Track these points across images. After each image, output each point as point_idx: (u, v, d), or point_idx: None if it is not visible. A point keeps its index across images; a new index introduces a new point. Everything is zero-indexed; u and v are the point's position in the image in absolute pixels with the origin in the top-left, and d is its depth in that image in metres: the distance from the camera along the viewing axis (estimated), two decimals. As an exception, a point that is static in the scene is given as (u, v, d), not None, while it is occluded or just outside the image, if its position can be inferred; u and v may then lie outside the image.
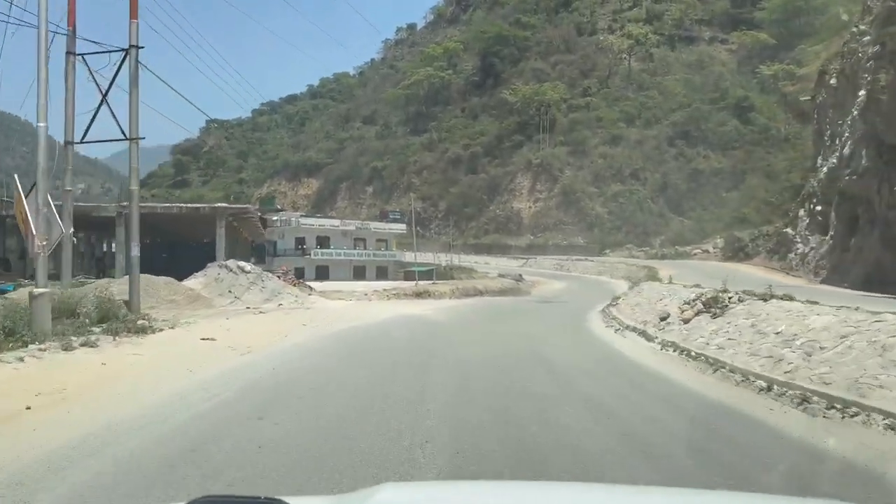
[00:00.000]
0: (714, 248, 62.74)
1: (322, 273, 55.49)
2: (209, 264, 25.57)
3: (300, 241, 57.60)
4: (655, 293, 18.24)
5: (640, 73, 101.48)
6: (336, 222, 61.81)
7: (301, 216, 62.41)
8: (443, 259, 73.88)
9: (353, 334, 14.90)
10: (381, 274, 61.50)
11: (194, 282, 23.42)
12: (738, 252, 54.13)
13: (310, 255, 56.30)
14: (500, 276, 56.85)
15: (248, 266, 24.58)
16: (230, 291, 22.77)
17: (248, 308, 20.66)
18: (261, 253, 59.97)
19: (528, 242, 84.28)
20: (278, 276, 25.49)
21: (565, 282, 53.47)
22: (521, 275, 59.21)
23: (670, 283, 20.58)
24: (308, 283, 31.25)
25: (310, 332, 15.03)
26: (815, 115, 44.73)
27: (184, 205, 37.85)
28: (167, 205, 37.37)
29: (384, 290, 27.85)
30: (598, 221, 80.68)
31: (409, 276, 58.72)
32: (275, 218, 58.80)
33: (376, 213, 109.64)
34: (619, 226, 79.98)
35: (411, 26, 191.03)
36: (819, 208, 39.14)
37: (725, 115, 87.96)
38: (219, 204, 37.22)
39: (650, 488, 3.06)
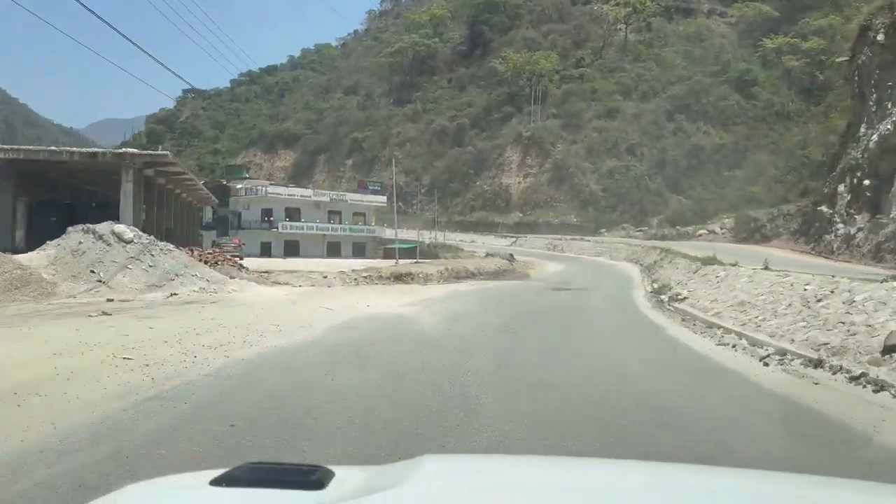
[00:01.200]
0: (722, 228, 56.80)
1: (291, 249, 48.71)
2: (69, 229, 18.04)
3: (267, 213, 50.66)
4: (766, 285, 11.75)
5: (637, 44, 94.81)
6: (308, 192, 54.86)
7: (270, 185, 55.17)
8: (426, 236, 67.32)
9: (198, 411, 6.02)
10: (359, 251, 54.83)
11: (41, 255, 16.18)
12: (754, 233, 48.14)
13: (277, 228, 49.37)
14: (489, 255, 50.81)
15: (129, 232, 17.26)
16: (92, 271, 15.72)
17: (109, 300, 13.72)
18: (224, 225, 52.89)
19: (517, 220, 77.83)
20: (216, 251, 18.69)
21: (563, 263, 47.16)
22: (511, 255, 53.20)
23: (764, 270, 14.07)
24: (243, 260, 24.43)
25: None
26: (857, 78, 38.37)
27: (76, 149, 28.50)
28: (53, 149, 27.47)
29: (355, 270, 21.18)
30: (593, 199, 74.37)
31: (389, 255, 52.30)
32: (239, 186, 51.84)
33: (356, 187, 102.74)
34: (615, 204, 73.74)
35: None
36: (867, 182, 32.99)
37: (727, 90, 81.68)
38: (126, 150, 28.09)
39: (697, 467, 2.54)
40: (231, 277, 15.45)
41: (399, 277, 20.98)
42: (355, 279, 19.17)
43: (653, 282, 23.72)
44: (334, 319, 11.20)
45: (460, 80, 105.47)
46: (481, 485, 1.67)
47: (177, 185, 34.03)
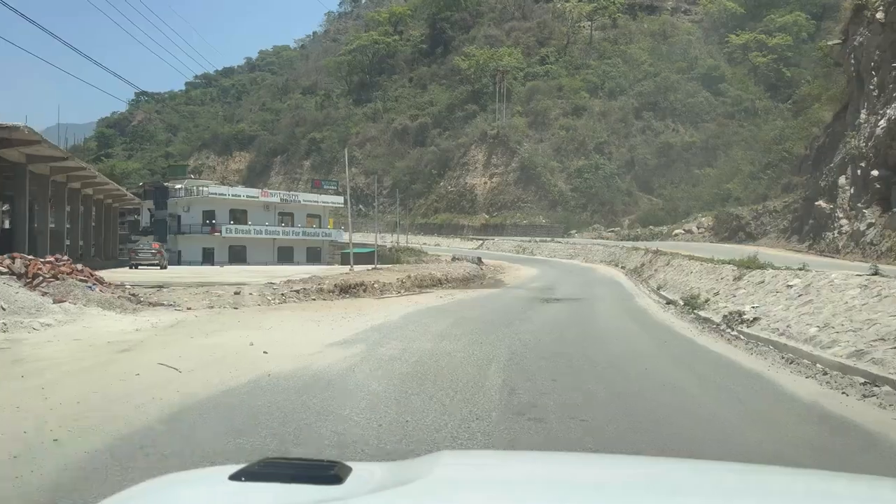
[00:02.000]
0: (699, 227, 53.19)
1: (237, 255, 43.37)
2: None
3: (209, 216, 45.14)
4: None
5: (602, 41, 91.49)
6: (255, 192, 49.38)
7: (212, 184, 49.55)
8: (388, 240, 62.45)
9: None
10: (314, 256, 49.68)
11: None
12: (737, 232, 44.51)
13: (220, 232, 43.92)
14: (456, 259, 46.26)
15: None
16: None
17: None
18: (162, 230, 47.18)
19: (483, 222, 73.43)
20: (55, 261, 13.33)
21: (536, 267, 42.84)
22: (479, 258, 48.71)
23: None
24: (166, 268, 19.24)
25: None
26: (853, 61, 34.85)
27: None
28: None
29: (290, 281, 16.03)
30: (562, 199, 70.40)
31: (346, 259, 47.31)
32: (178, 186, 46.16)
33: (321, 192, 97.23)
34: (585, 204, 69.90)
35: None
36: (876, 173, 29.31)
37: (695, 86, 78.84)
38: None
39: (714, 464, 2.44)
40: (61, 302, 10.42)
41: (347, 289, 16.04)
42: (282, 295, 14.19)
43: (657, 288, 19.35)
44: (140, 413, 5.18)
45: (422, 79, 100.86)
46: (497, 479, 1.67)
47: (77, 181, 28.50)
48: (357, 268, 30.51)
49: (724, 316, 10.69)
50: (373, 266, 29.86)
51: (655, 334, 10.89)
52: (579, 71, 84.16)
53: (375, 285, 18.00)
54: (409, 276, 21.34)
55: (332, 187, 55.96)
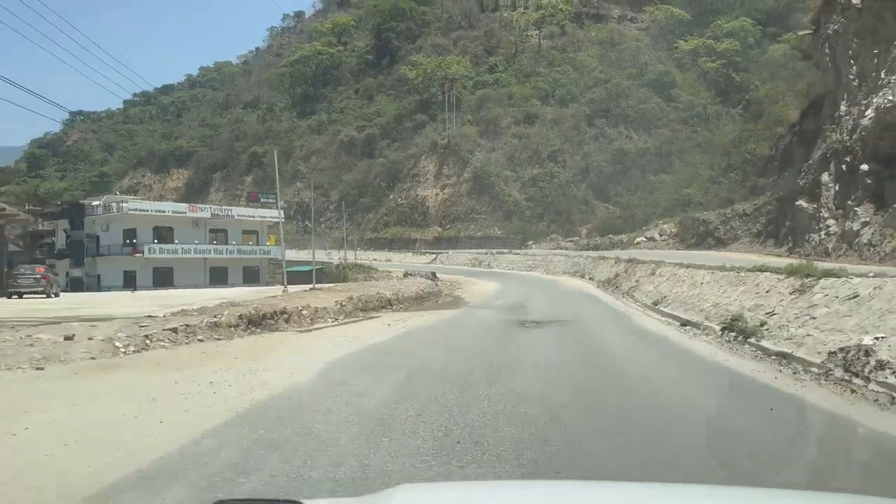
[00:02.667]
0: (662, 234, 50.36)
1: (163, 278, 38.22)
2: None
3: (129, 235, 39.79)
4: None
5: (550, 50, 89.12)
6: (182, 207, 44.15)
7: (132, 199, 44.11)
8: (335, 256, 57.90)
9: None
10: (251, 276, 44.75)
11: None
12: (705, 237, 41.64)
13: (143, 252, 38.65)
14: (408, 274, 42.29)
15: None
16: None
17: None
18: (78, 252, 41.59)
19: (436, 235, 69.45)
20: None
21: (496, 281, 38.98)
22: (434, 273, 44.78)
23: None
24: (58, 296, 14.35)
25: None
26: (827, 51, 32.27)
27: None
28: None
29: (178, 313, 11.36)
30: (517, 209, 67.04)
31: (288, 278, 42.59)
32: (95, 203, 40.67)
33: (257, 206, 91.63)
34: (541, 213, 66.68)
35: (299, 14, 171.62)
36: (865, 168, 26.49)
37: (646, 92, 76.98)
38: None
39: (685, 487, 2.40)
40: None
41: (260, 321, 11.60)
42: (145, 338, 9.54)
43: (654, 304, 15.62)
44: None
45: (368, 90, 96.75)
46: None
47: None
48: (296, 288, 26.02)
49: (831, 353, 6.83)
50: (311, 286, 25.42)
51: (746, 399, 6.68)
52: (529, 79, 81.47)
53: (304, 312, 13.71)
54: (352, 298, 17.08)
55: (271, 200, 51.10)
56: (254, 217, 46.33)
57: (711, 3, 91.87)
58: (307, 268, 45.89)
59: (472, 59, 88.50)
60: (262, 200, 49.96)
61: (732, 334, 9.51)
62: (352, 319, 15.45)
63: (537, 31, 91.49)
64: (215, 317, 11.11)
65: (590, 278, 33.72)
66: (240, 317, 11.57)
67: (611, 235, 58.42)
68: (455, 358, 9.19)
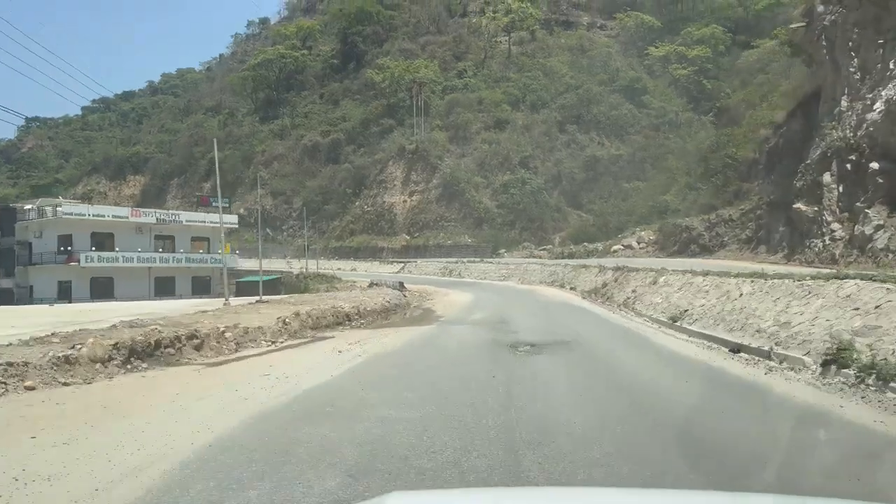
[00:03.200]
0: (640, 242, 47.75)
1: (102, 289, 34.08)
2: None
3: (65, 241, 35.47)
4: None
5: (520, 55, 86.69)
6: (124, 212, 39.86)
7: (67, 203, 39.70)
8: (296, 266, 54.12)
9: None
10: (201, 287, 40.73)
11: None
12: (689, 245, 39.02)
13: (79, 261, 34.38)
14: (374, 284, 38.80)
15: None
16: None
17: None
18: (8, 261, 37.07)
19: (404, 243, 65.97)
20: None
21: (468, 291, 35.77)
22: (401, 283, 41.35)
23: None
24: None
25: None
26: (824, 44, 29.91)
27: None
28: None
29: (46, 338, 8.16)
30: (488, 216, 63.99)
31: (245, 290, 39.01)
32: (27, 207, 36.30)
33: (209, 210, 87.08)
34: (512, 221, 63.74)
35: (264, 21, 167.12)
36: (876, 166, 23.96)
37: (618, 98, 74.89)
38: None
39: (659, 491, 2.50)
40: None
41: (149, 352, 8.09)
42: None
43: (671, 320, 12.47)
44: None
45: (333, 95, 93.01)
46: None
47: None
48: (242, 301, 22.37)
49: None
50: (256, 299, 21.78)
51: None
52: (499, 84, 78.82)
53: (228, 335, 10.22)
54: (299, 314, 13.61)
55: (225, 205, 47.00)
56: (204, 223, 42.24)
57: (681, 10, 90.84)
58: (266, 277, 42.05)
59: (440, 64, 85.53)
60: (214, 205, 45.85)
61: (850, 373, 6.31)
62: (296, 342, 11.99)
63: (507, 37, 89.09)
64: (72, 348, 7.53)
65: (571, 288, 30.67)
66: (114, 347, 7.97)
67: (585, 244, 55.73)
68: (433, 423, 5.62)
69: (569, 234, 62.15)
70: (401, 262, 59.88)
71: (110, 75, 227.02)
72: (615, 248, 49.23)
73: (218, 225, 43.07)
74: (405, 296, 30.79)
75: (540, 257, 55.06)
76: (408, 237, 66.36)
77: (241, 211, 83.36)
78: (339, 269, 60.18)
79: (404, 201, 69.08)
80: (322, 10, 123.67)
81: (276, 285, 39.43)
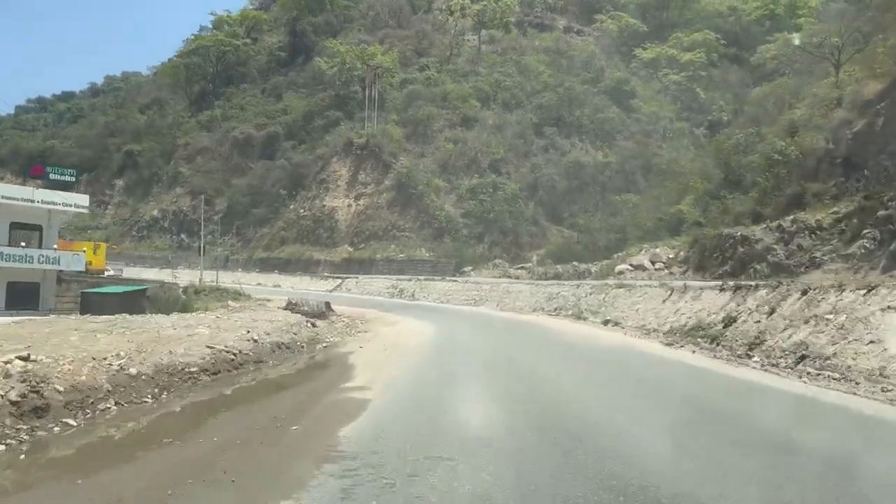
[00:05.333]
0: (655, 260, 34.64)
1: None
2: None
3: None
4: None
5: (490, 54, 74.12)
6: None
7: None
8: (184, 277, 39.49)
9: None
10: (25, 297, 25.69)
11: None
12: (748, 263, 25.92)
13: None
14: (291, 304, 25.07)
15: None
16: None
17: None
18: None
19: (346, 256, 51.62)
20: None
21: (427, 320, 21.94)
22: (328, 303, 27.39)
23: None
24: None
25: None
26: None
27: None
28: None
29: None
30: (451, 226, 50.35)
31: (87, 304, 24.22)
32: None
33: (127, 215, 71.11)
34: (481, 233, 50.26)
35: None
36: None
37: (603, 100, 62.83)
38: None
39: None
40: None
41: None
42: None
43: None
44: None
45: (277, 88, 78.50)
46: None
47: None
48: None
49: None
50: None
51: None
52: (467, 78, 65.87)
53: None
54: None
55: (67, 178, 32.00)
56: (35, 203, 27.23)
57: (667, 17, 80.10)
58: (126, 288, 27.31)
59: (400, 59, 72.15)
60: (52, 177, 30.81)
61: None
62: None
63: (476, 36, 76.58)
64: None
65: (613, 324, 16.92)
66: None
67: (575, 263, 42.36)
68: None
69: (548, 252, 48.80)
70: (338, 277, 45.50)
71: (56, 76, 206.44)
72: (620, 268, 35.91)
73: (57, 208, 28.00)
74: (314, 325, 16.60)
75: (516, 277, 41.60)
76: (350, 249, 52.01)
77: (155, 213, 67.77)
78: (258, 284, 45.45)
79: (349, 206, 54.85)
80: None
81: (140, 300, 24.67)
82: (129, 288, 26.81)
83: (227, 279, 46.80)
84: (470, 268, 45.54)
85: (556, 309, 22.88)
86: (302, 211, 56.86)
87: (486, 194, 51.37)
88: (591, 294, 20.92)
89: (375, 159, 55.71)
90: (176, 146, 70.54)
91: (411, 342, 15.15)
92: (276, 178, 60.58)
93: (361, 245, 52.11)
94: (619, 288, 19.47)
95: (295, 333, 13.76)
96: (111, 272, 41.81)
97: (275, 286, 44.94)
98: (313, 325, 16.58)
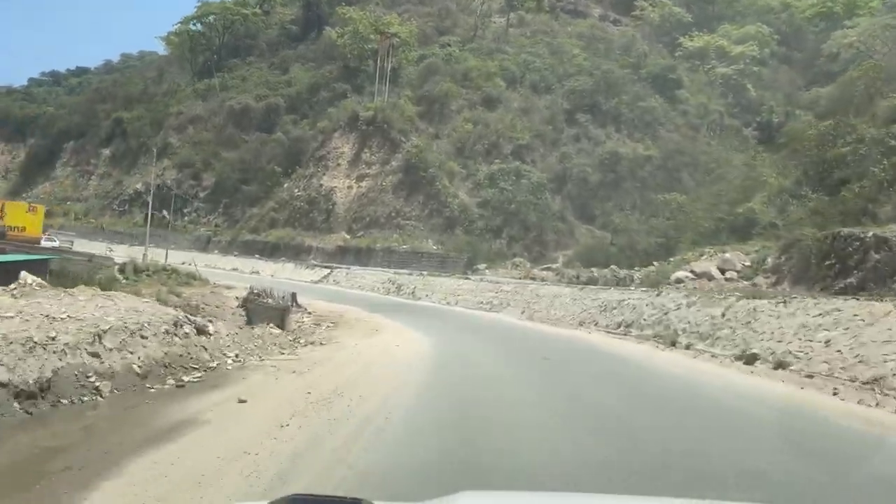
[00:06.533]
0: (725, 267, 26.64)
1: None
2: None
3: None
4: None
5: (519, 37, 66.19)
6: None
7: None
8: (121, 251, 31.95)
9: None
10: None
11: None
12: (890, 276, 17.71)
13: None
14: (253, 294, 17.09)
15: None
16: None
17: None
18: None
19: (341, 244, 43.78)
20: None
21: (430, 331, 13.47)
22: (293, 295, 19.24)
23: None
24: None
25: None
26: None
27: None
28: None
29: None
30: (465, 216, 42.49)
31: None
32: None
33: (110, 187, 63.75)
34: (499, 227, 42.30)
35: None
36: None
37: (645, 88, 54.70)
38: None
39: None
40: None
41: None
42: None
43: None
44: None
45: (285, 62, 70.80)
46: None
47: None
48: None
49: None
50: None
51: None
52: (493, 56, 57.96)
53: None
54: None
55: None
56: None
57: (714, 10, 71.79)
58: (16, 257, 19.79)
59: (420, 37, 64.39)
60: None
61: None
62: None
63: (503, 18, 68.74)
64: None
65: (771, 363, 8.70)
66: None
67: (613, 267, 34.23)
68: None
69: (576, 254, 40.71)
70: (327, 267, 37.61)
71: (76, 55, 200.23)
72: (678, 275, 27.76)
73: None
74: (204, 331, 8.48)
75: (542, 279, 33.62)
76: (347, 236, 44.15)
77: (139, 185, 60.26)
78: (234, 269, 37.82)
79: (349, 187, 47.03)
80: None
81: (44, 268, 17.31)
82: (20, 257, 19.25)
83: (201, 262, 39.15)
84: (484, 265, 37.57)
85: (620, 325, 15.03)
86: (296, 191, 49.12)
87: (508, 182, 43.39)
88: (690, 307, 12.97)
89: (382, 136, 47.88)
90: (167, 114, 63.07)
91: (389, 378, 7.42)
92: (272, 153, 52.90)
93: (360, 233, 44.25)
94: (754, 299, 11.49)
95: (184, 343, 6.10)
96: (55, 242, 34.18)
97: (252, 273, 37.20)
98: (201, 330, 8.77)
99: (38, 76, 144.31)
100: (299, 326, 17.72)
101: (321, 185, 48.13)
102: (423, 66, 55.29)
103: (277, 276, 36.06)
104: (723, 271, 27.42)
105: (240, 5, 79.21)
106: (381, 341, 12.40)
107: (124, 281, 24.14)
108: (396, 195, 45.15)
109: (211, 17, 78.36)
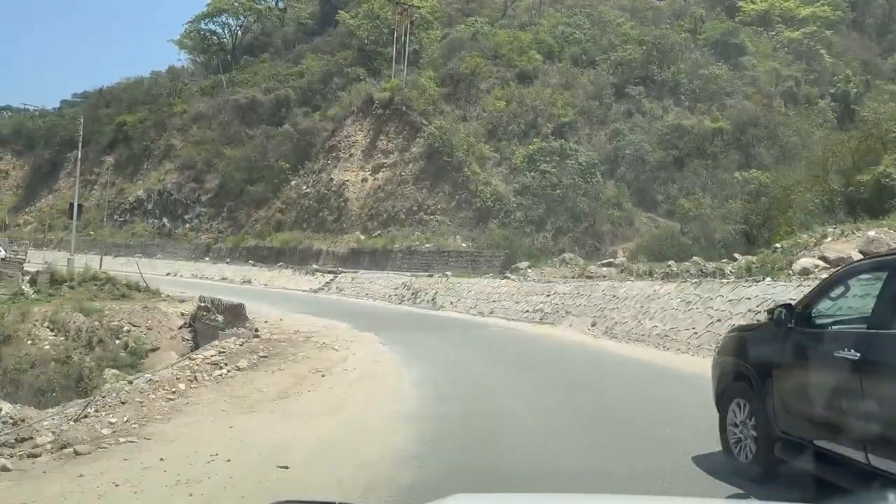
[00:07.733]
0: (870, 249, 18.22)
1: None
2: None
3: None
4: None
5: (554, 13, 58.58)
6: None
7: None
8: (46, 257, 25.52)
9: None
10: None
11: None
12: None
13: None
14: (201, 308, 9.00)
15: None
16: None
17: None
18: None
19: (354, 245, 36.68)
20: None
21: (454, 371, 5.62)
22: (240, 305, 11.75)
23: None
24: None
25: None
26: None
27: None
28: None
29: None
30: (500, 208, 34.96)
31: None
32: None
33: (112, 196, 58.29)
34: (541, 218, 34.67)
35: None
36: None
37: (704, 56, 46.45)
38: None
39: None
40: None
41: None
42: None
43: None
44: None
45: (299, 56, 64.66)
46: None
47: None
48: None
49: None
50: None
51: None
52: (527, 29, 50.50)
53: None
54: None
55: None
56: None
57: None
58: None
59: (443, 20, 57.44)
60: None
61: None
62: None
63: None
64: None
65: None
66: None
67: (692, 260, 26.16)
68: None
69: (639, 246, 32.69)
70: (331, 272, 30.49)
71: (110, 74, 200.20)
72: (802, 263, 19.66)
73: None
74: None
75: (602, 277, 25.84)
76: (362, 236, 37.03)
77: (140, 193, 54.54)
78: (223, 278, 31.09)
79: (363, 180, 40.04)
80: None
81: None
82: None
83: (187, 272, 32.58)
84: (526, 263, 29.84)
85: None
86: (304, 187, 42.35)
87: (551, 164, 35.68)
88: None
89: (401, 120, 40.81)
90: (171, 115, 57.36)
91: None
92: (279, 148, 46.37)
93: (377, 232, 37.12)
94: None
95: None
96: (1, 253, 27.97)
97: (244, 282, 30.37)
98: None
99: (70, 97, 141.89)
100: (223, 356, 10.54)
101: (331, 180, 41.25)
102: (447, 42, 48.20)
103: (272, 284, 29.21)
104: (867, 255, 19.26)
105: (253, 0, 73.84)
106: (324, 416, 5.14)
107: (34, 296, 17.39)
108: (418, 186, 37.93)
109: (224, 16, 73.28)
